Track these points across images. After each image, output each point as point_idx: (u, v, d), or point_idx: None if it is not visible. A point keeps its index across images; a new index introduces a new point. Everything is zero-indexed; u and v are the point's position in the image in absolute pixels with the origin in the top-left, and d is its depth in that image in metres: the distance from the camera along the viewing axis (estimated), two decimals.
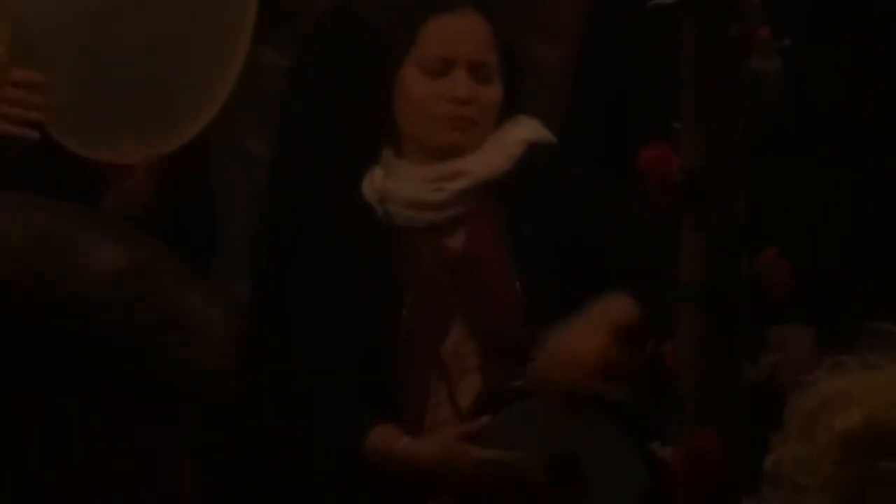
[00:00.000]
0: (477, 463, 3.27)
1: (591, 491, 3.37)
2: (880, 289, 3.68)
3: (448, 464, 3.29)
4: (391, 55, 3.51)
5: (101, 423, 1.97)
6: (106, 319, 1.83)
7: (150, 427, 1.97)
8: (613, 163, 3.45)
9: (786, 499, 1.68)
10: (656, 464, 3.22)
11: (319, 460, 3.41)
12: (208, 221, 3.52)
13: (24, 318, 1.91)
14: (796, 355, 3.68)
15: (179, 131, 3.36)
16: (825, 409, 1.65)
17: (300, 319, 3.51)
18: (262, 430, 3.02)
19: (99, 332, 1.87)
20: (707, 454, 2.97)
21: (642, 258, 3.40)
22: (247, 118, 3.59)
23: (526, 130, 3.49)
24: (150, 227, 2.51)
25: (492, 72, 3.49)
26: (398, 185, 3.49)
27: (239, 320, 2.10)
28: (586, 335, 3.30)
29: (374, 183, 3.47)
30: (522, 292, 3.46)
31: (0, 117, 3.33)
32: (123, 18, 3.28)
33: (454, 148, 3.45)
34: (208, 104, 3.34)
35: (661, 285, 3.25)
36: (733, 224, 2.98)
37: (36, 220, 2.08)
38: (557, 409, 3.38)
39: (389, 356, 3.43)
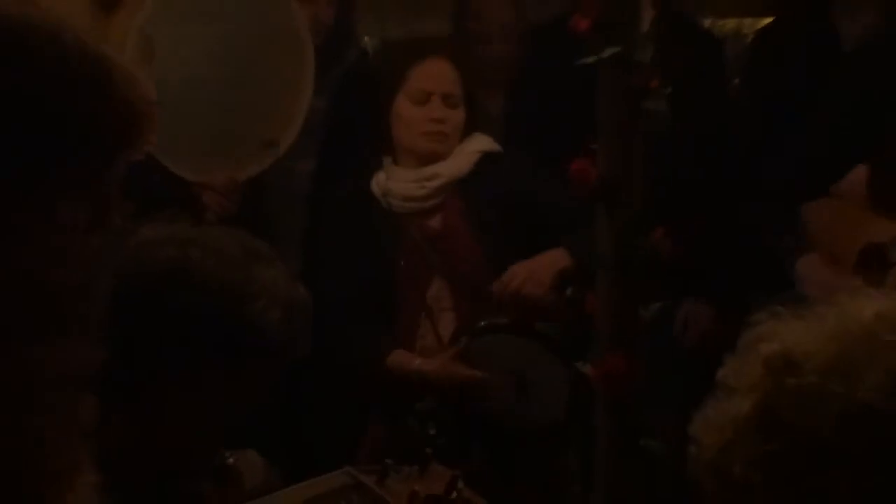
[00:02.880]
0: (462, 377, 3.75)
1: (533, 396, 3.81)
2: (753, 271, 4.21)
3: (445, 376, 3.75)
4: (390, 90, 3.97)
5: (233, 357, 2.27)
6: (252, 309, 2.25)
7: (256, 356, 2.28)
8: (547, 166, 3.88)
9: (720, 397, 1.79)
10: (580, 377, 3.45)
11: (351, 373, 3.88)
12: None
13: (193, 317, 2.19)
14: (695, 320, 4.29)
15: (260, 161, 3.83)
16: (758, 339, 1.76)
17: (331, 279, 3.90)
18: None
19: (246, 308, 2.26)
20: (614, 371, 3.25)
21: (571, 229, 3.69)
22: (293, 146, 3.98)
23: (481, 143, 3.99)
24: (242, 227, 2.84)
25: (458, 101, 3.94)
26: (395, 184, 3.98)
27: (304, 296, 2.56)
28: (539, 270, 3.83)
29: (379, 183, 3.97)
30: (482, 256, 3.92)
31: None
32: (220, 75, 3.63)
33: (433, 154, 3.93)
34: (286, 136, 3.84)
35: (585, 247, 3.48)
36: (633, 212, 3.29)
37: (229, 246, 2.36)
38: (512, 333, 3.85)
39: (391, 301, 3.93)
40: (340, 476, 2.39)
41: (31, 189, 1.60)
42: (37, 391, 1.59)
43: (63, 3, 3.21)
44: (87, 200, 1.64)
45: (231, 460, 2.64)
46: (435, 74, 3.98)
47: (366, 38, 4.52)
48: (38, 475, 1.63)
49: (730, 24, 5.08)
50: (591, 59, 3.16)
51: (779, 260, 3.96)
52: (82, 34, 1.65)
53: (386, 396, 3.85)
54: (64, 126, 1.62)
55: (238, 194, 3.83)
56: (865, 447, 1.68)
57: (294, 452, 3.59)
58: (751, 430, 1.72)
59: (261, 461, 3.23)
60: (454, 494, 2.37)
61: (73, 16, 2.12)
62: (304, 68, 3.82)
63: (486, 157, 3.98)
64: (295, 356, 2.32)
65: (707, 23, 4.75)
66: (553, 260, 3.83)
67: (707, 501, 1.77)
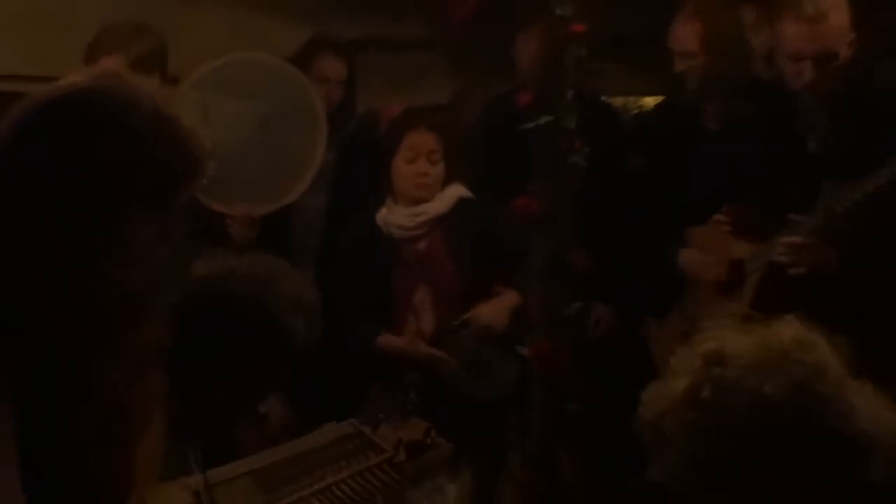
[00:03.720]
0: (435, 357, 3.73)
1: (487, 371, 3.78)
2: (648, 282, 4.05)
3: (413, 351, 3.74)
4: (389, 152, 3.91)
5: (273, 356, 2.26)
6: (282, 321, 2.23)
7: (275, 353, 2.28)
8: (502, 205, 3.79)
9: (665, 375, 1.83)
10: (521, 358, 3.57)
11: (351, 350, 3.79)
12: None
13: (246, 314, 2.20)
14: (602, 319, 4.18)
15: (281, 200, 3.76)
16: (703, 340, 1.80)
17: (343, 283, 3.86)
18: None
19: (278, 316, 2.25)
20: (544, 353, 3.35)
21: (517, 250, 3.64)
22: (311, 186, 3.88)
23: (457, 191, 3.89)
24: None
25: (438, 159, 3.86)
26: (394, 217, 3.89)
27: (316, 299, 2.51)
28: (499, 310, 3.80)
29: (382, 216, 3.89)
30: (456, 271, 3.86)
31: None
32: (251, 137, 3.58)
33: (420, 199, 3.86)
34: (299, 187, 3.77)
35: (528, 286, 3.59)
36: (559, 237, 3.34)
37: (259, 271, 2.34)
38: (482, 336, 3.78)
39: (387, 303, 3.87)
40: (346, 426, 2.37)
41: (122, 214, 1.62)
42: (127, 361, 1.66)
43: (143, 78, 3.30)
44: (157, 223, 1.66)
45: (263, 410, 2.62)
46: (421, 141, 3.90)
47: (361, 109, 4.41)
48: (129, 420, 1.70)
49: (619, 101, 5.00)
50: (530, 125, 3.20)
51: (672, 273, 3.89)
52: (158, 101, 1.67)
53: (380, 370, 3.79)
54: (144, 169, 1.63)
55: (256, 225, 3.73)
56: (762, 428, 1.69)
57: (312, 408, 3.53)
58: (681, 403, 1.74)
59: (284, 410, 3.44)
60: (429, 440, 2.38)
61: (150, 87, 2.15)
62: (317, 135, 3.75)
63: (461, 201, 3.91)
64: (311, 346, 2.31)
65: (606, 99, 4.66)
66: (509, 301, 3.80)
67: (645, 450, 1.77)
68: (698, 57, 3.95)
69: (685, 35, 4.00)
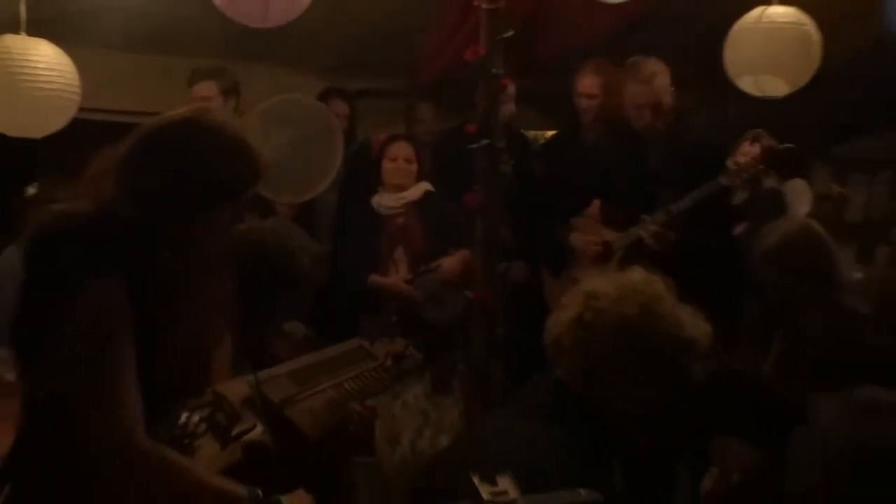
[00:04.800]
0: (404, 291, 3.71)
1: (444, 306, 3.74)
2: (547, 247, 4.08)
3: (398, 291, 3.70)
4: (377, 158, 3.92)
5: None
6: (295, 258, 2.32)
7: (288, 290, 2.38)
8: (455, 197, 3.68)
9: (559, 309, 1.83)
10: (467, 298, 3.55)
11: (347, 287, 3.74)
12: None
13: (266, 262, 2.25)
14: (517, 271, 4.09)
15: (312, 191, 3.70)
16: (584, 284, 1.83)
17: (350, 244, 3.84)
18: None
19: (299, 264, 2.36)
20: (482, 296, 3.35)
21: (464, 227, 3.55)
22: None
23: (425, 186, 3.86)
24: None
25: (412, 161, 3.86)
26: (383, 200, 3.84)
27: (324, 254, 2.60)
28: (453, 264, 3.73)
29: (375, 199, 3.84)
30: (423, 237, 3.83)
31: None
32: (290, 152, 3.49)
33: (401, 186, 3.82)
34: (323, 184, 3.70)
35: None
36: (493, 219, 3.33)
37: (281, 228, 2.50)
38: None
39: (376, 257, 3.81)
40: (352, 342, 2.32)
41: (215, 212, 1.67)
42: (213, 303, 1.72)
43: (220, 109, 3.33)
44: (232, 209, 1.71)
45: (286, 327, 2.63)
46: (399, 149, 3.90)
47: (360, 137, 4.39)
48: (211, 338, 1.75)
49: (530, 133, 4.95)
50: (475, 145, 3.20)
51: (561, 243, 3.95)
52: (236, 127, 1.69)
53: (370, 303, 3.73)
54: (227, 174, 1.64)
55: (295, 207, 3.72)
56: (624, 337, 1.74)
57: (323, 330, 3.45)
58: (572, 325, 1.78)
59: (303, 328, 3.30)
60: (407, 352, 2.35)
61: (227, 115, 2.20)
62: (336, 150, 3.72)
63: (427, 192, 3.88)
64: (317, 282, 2.40)
65: (523, 130, 4.60)
66: (460, 258, 3.74)
67: (550, 358, 1.81)
68: (598, 98, 3.99)
69: (590, 83, 4.01)
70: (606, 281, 1.81)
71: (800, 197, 4.17)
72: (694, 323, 1.75)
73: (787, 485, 1.18)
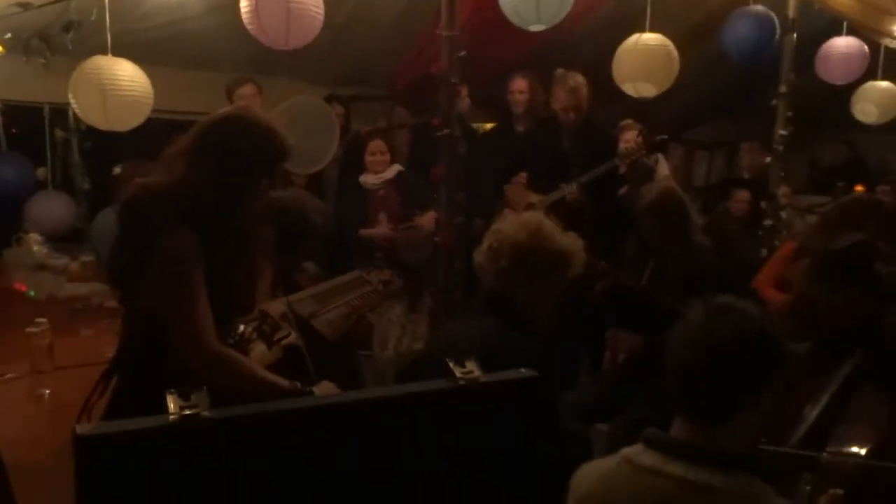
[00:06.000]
0: (388, 238, 3.65)
1: (417, 249, 3.63)
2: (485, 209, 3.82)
3: (381, 237, 3.63)
4: (362, 151, 3.79)
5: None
6: (309, 216, 2.18)
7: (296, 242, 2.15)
8: (422, 174, 3.71)
9: (489, 248, 1.77)
10: (436, 243, 3.23)
11: (345, 238, 3.60)
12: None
13: (289, 219, 2.06)
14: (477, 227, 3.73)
15: (318, 166, 3.58)
16: (496, 229, 1.79)
17: (344, 211, 3.70)
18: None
19: (311, 220, 2.22)
20: (447, 240, 3.07)
21: (431, 196, 3.41)
22: (329, 166, 3.77)
23: (397, 167, 3.76)
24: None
25: (386, 152, 3.74)
26: (367, 179, 3.74)
27: (330, 214, 2.40)
28: (427, 220, 3.61)
29: (362, 178, 3.74)
30: (399, 205, 3.74)
31: None
32: (301, 142, 3.03)
33: (379, 171, 3.72)
34: (325, 160, 3.58)
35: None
36: (452, 191, 3.09)
37: (298, 195, 2.31)
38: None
39: (364, 218, 3.72)
40: (354, 273, 2.32)
41: (257, 181, 1.61)
42: (256, 249, 1.65)
43: (256, 105, 3.18)
44: (269, 180, 1.63)
45: (305, 266, 2.57)
46: (375, 146, 3.79)
47: (352, 131, 4.21)
48: (256, 271, 1.69)
49: (477, 125, 4.82)
50: (438, 133, 3.02)
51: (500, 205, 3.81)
52: (267, 118, 1.62)
53: (364, 249, 3.63)
54: (264, 154, 1.58)
55: (307, 180, 3.60)
56: (523, 257, 1.70)
57: (331, 268, 3.32)
58: (487, 252, 1.76)
59: (315, 267, 3.13)
60: (390, 278, 2.35)
61: (258, 109, 2.13)
62: (333, 139, 3.59)
63: (400, 172, 3.78)
64: (325, 233, 2.28)
65: (473, 124, 4.48)
66: (430, 217, 3.63)
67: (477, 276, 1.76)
68: (525, 95, 3.91)
69: (520, 84, 3.93)
70: (507, 221, 1.78)
71: (661, 167, 4.22)
72: (570, 241, 1.72)
73: (664, 364, 1.15)
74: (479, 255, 1.74)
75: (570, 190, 3.54)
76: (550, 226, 1.71)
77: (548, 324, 1.68)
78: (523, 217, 1.75)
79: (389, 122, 4.49)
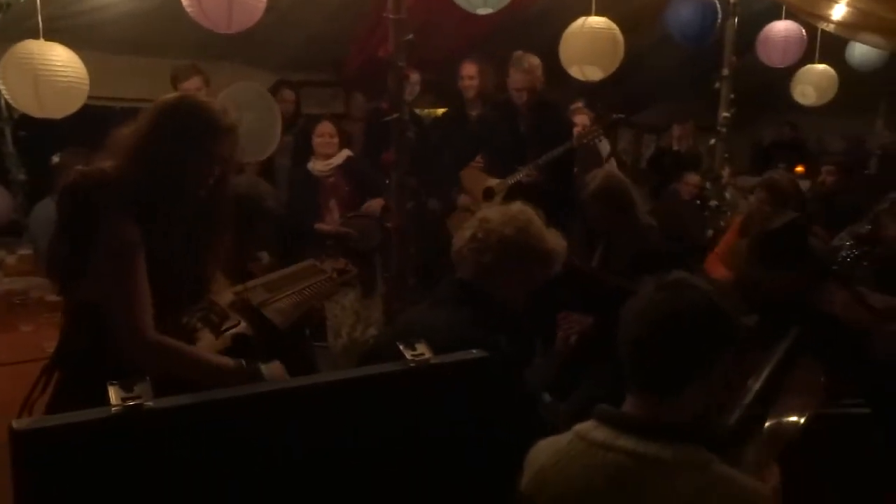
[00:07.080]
0: (342, 230, 3.57)
1: (368, 236, 3.61)
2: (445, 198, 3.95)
3: (335, 232, 3.55)
4: (311, 133, 3.71)
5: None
6: (263, 200, 2.17)
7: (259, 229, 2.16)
8: (375, 159, 3.72)
9: (460, 230, 1.77)
10: (385, 228, 3.29)
11: (297, 229, 3.46)
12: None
13: (243, 204, 1.94)
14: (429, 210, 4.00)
15: (264, 153, 3.49)
16: (478, 213, 1.78)
17: (295, 200, 3.63)
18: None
19: (265, 205, 2.21)
20: (398, 225, 3.08)
21: (381, 181, 3.38)
22: (281, 152, 3.73)
23: (347, 153, 3.69)
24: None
25: (335, 136, 3.66)
26: (316, 165, 3.66)
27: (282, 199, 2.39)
28: (375, 205, 3.58)
29: (311, 165, 3.68)
30: (349, 193, 3.68)
31: None
32: (248, 127, 3.22)
33: (328, 156, 3.65)
34: (270, 147, 3.50)
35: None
36: (403, 174, 3.03)
37: (253, 182, 2.25)
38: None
39: (316, 208, 3.65)
40: (307, 262, 2.24)
41: (201, 168, 1.58)
42: (204, 241, 1.60)
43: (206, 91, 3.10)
44: (217, 167, 1.59)
45: (259, 256, 2.55)
46: (324, 127, 3.72)
47: (302, 117, 4.16)
48: (214, 258, 1.66)
49: (425, 110, 4.83)
50: (388, 118, 2.99)
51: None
52: (208, 103, 1.59)
53: (315, 238, 3.58)
54: (206, 145, 1.55)
55: (259, 166, 3.51)
56: (504, 247, 1.68)
57: (285, 258, 3.31)
58: (470, 241, 1.72)
59: (268, 255, 3.01)
60: (346, 268, 2.28)
61: (205, 95, 2.04)
62: (276, 123, 3.51)
63: (349, 157, 3.72)
64: (278, 218, 2.27)
65: (419, 109, 4.47)
66: (378, 202, 3.60)
67: (453, 266, 1.73)
68: (475, 79, 3.94)
69: (470, 69, 3.97)
70: (494, 210, 1.76)
71: (606, 150, 4.30)
72: (555, 240, 1.72)
73: (616, 339, 1.19)
74: (460, 242, 1.71)
75: (527, 172, 3.56)
76: (539, 223, 1.71)
77: (519, 317, 1.69)
78: (512, 210, 1.72)
79: (348, 109, 4.46)
